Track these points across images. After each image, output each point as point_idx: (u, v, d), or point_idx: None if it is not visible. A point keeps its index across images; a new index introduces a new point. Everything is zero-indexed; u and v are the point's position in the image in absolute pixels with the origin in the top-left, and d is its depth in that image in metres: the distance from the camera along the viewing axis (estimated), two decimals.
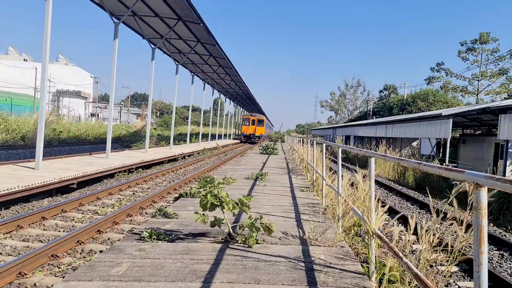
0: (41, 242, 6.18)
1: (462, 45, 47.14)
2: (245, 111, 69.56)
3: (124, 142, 38.48)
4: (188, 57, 27.71)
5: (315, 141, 11.65)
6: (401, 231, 8.58)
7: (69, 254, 5.64)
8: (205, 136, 48.97)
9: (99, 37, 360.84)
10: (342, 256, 4.27)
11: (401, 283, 3.86)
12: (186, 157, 24.38)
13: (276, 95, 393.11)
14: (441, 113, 20.92)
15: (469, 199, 2.78)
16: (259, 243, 4.61)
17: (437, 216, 3.66)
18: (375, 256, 3.84)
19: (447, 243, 3.59)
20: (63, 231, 6.88)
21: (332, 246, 4.58)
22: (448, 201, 3.41)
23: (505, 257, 7.37)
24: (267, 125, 59.72)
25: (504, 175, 16.16)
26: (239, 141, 52.77)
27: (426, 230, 3.66)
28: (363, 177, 5.01)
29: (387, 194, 15.13)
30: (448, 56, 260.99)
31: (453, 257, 3.51)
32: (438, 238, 3.66)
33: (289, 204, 7.38)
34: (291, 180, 11.23)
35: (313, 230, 5.07)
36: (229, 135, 65.38)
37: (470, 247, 7.75)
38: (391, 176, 21.35)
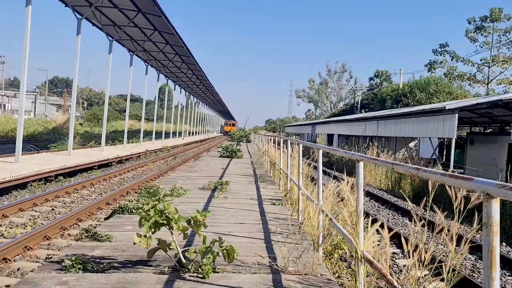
0: None
1: (469, 23, 48.87)
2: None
3: (40, 141, 37.44)
4: (125, 31, 27.31)
5: (289, 142, 11.76)
6: (394, 252, 8.81)
7: None
8: (148, 134, 48.42)
9: (7, 5, 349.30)
10: (323, 287, 4.33)
11: None
12: (123, 161, 24.03)
13: (242, 84, 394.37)
14: (444, 107, 21.53)
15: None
16: (217, 272, 4.59)
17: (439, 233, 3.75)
18: (364, 286, 3.91)
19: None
20: None
21: (310, 274, 4.62)
22: (461, 218, 3.47)
23: None
24: (237, 126, 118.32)
25: None
26: (222, 134, 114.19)
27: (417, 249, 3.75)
28: (350, 187, 5.09)
29: (379, 207, 15.47)
30: (454, 37, 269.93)
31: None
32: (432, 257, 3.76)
33: (257, 222, 7.40)
34: (259, 190, 11.28)
35: (286, 255, 5.10)
36: (180, 133, 64.90)
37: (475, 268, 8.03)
38: (384, 185, 21.86)
